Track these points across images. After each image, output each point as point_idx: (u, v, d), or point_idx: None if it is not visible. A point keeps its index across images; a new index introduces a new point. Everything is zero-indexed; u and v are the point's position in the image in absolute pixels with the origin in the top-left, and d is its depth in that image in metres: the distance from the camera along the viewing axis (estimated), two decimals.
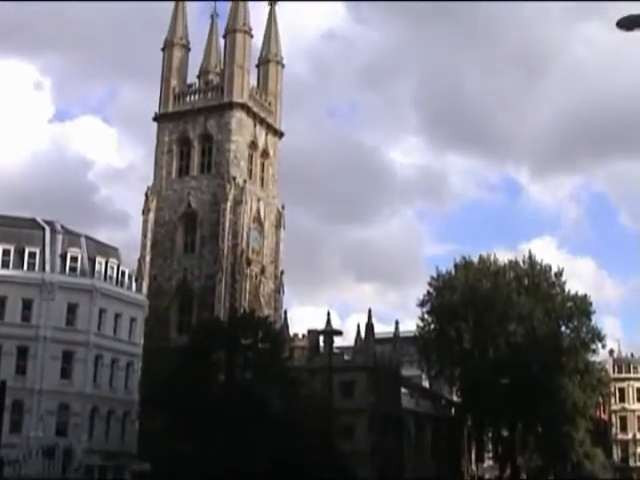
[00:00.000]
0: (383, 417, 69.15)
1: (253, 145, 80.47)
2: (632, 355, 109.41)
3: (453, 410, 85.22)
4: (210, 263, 75.00)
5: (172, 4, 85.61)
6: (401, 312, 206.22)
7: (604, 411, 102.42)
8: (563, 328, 76.43)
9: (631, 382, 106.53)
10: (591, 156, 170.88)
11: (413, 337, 78.41)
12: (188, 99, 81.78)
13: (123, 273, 65.51)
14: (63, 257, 61.54)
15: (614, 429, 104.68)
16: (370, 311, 72.56)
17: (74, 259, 61.75)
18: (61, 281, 60.13)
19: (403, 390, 77.63)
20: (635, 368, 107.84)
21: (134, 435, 63.02)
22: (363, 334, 70.87)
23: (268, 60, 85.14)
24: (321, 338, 68.25)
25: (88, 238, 65.13)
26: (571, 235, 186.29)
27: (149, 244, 77.87)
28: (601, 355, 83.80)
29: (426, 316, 76.40)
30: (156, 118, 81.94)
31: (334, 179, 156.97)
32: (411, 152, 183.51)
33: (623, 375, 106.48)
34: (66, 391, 58.65)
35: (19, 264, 59.86)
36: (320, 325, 67.54)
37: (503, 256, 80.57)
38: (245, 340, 57.71)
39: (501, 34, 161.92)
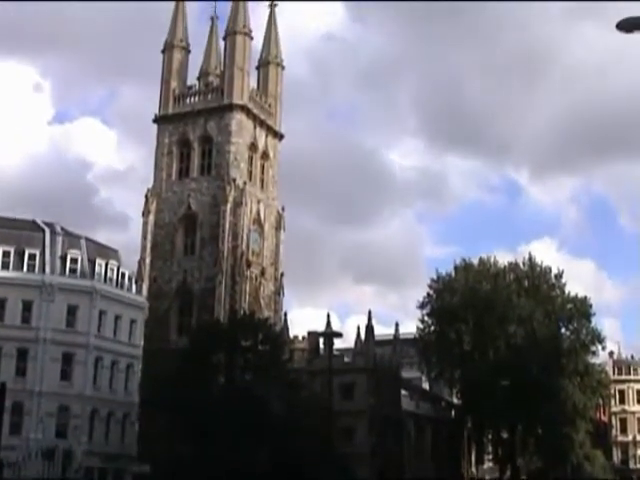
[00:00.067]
0: (383, 419, 69.13)
1: (253, 147, 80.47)
2: (632, 357, 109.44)
3: (453, 412, 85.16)
4: (210, 265, 74.98)
5: (172, 5, 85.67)
6: (401, 314, 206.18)
7: (604, 413, 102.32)
8: (563, 330, 76.47)
9: (631, 384, 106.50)
10: (591, 157, 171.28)
11: (413, 339, 78.43)
12: (188, 101, 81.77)
13: (123, 275, 65.50)
14: (63, 259, 61.55)
15: (614, 431, 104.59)
16: (370, 313, 72.67)
17: (74, 261, 61.76)
18: (61, 283, 60.10)
19: (403, 392, 77.64)
20: (635, 370, 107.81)
21: (134, 437, 62.99)
22: (363, 336, 70.85)
23: (268, 62, 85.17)
24: (321, 340, 68.17)
25: (88, 240, 65.14)
26: (571, 237, 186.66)
27: (149, 246, 77.86)
28: (601, 357, 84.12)
29: (426, 318, 76.49)
30: (156, 120, 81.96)
31: (334, 181, 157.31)
32: (411, 153, 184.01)
33: (623, 377, 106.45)
34: (66, 393, 58.63)
35: (19, 266, 59.86)
36: (320, 327, 67.56)
37: (503, 258, 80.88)
38: (245, 342, 57.74)
39: (501, 35, 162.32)
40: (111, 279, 63.89)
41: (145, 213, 78.99)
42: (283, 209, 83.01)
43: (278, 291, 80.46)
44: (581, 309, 75.63)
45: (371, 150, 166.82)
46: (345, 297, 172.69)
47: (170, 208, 78.79)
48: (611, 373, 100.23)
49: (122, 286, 64.97)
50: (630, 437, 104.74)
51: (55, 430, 57.51)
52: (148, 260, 77.24)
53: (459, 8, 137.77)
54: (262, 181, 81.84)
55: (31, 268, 60.11)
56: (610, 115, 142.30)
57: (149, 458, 56.58)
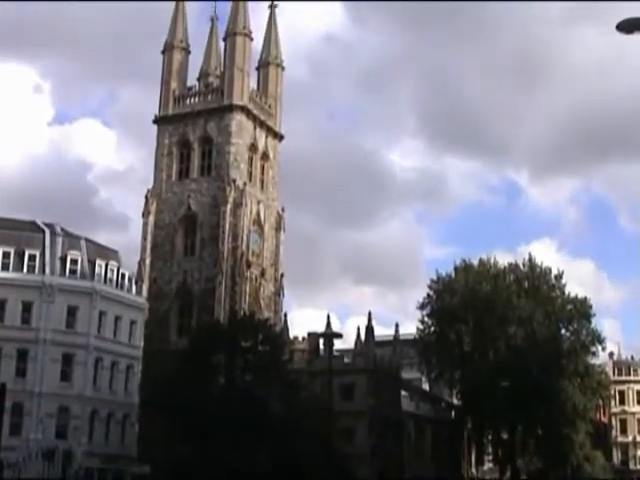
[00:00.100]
0: (383, 420, 69.12)
1: (253, 148, 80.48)
2: (632, 358, 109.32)
3: (453, 413, 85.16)
4: (210, 266, 74.98)
5: (172, 5, 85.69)
6: (401, 315, 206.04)
7: (604, 414, 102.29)
8: (563, 331, 76.47)
9: (631, 385, 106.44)
10: (591, 157, 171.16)
11: (413, 340, 78.44)
12: (188, 102, 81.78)
13: (123, 276, 65.52)
14: (63, 260, 61.58)
15: (614, 432, 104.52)
16: (370, 314, 72.62)
17: (74, 262, 61.78)
18: (61, 284, 60.11)
19: (403, 393, 77.63)
20: (635, 371, 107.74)
21: (134, 438, 63.01)
22: (363, 337, 70.83)
23: (268, 63, 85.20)
24: (321, 341, 68.06)
25: (88, 241, 65.15)
26: (571, 237, 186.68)
27: (149, 247, 77.85)
28: (601, 358, 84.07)
29: (426, 319, 76.51)
30: (156, 121, 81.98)
31: (334, 181, 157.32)
32: (411, 154, 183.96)
33: (623, 378, 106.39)
34: (66, 394, 58.64)
35: (19, 267, 59.88)
36: (320, 328, 67.43)
37: (503, 259, 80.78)
38: (245, 343, 57.72)
39: (501, 35, 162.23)
40: (111, 280, 63.91)
41: (145, 214, 79.00)
42: (283, 210, 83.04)
43: (278, 292, 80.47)
44: (581, 310, 75.64)
45: (371, 151, 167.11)
46: (345, 298, 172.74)
47: (170, 209, 78.79)
48: (611, 374, 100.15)
49: (122, 287, 65.00)
50: (630, 438, 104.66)
51: (55, 431, 57.57)
52: (148, 261, 77.25)
53: (459, 8, 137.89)
54: (262, 182, 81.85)
55: (31, 269, 60.14)
56: (610, 115, 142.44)
57: (149, 459, 56.58)
